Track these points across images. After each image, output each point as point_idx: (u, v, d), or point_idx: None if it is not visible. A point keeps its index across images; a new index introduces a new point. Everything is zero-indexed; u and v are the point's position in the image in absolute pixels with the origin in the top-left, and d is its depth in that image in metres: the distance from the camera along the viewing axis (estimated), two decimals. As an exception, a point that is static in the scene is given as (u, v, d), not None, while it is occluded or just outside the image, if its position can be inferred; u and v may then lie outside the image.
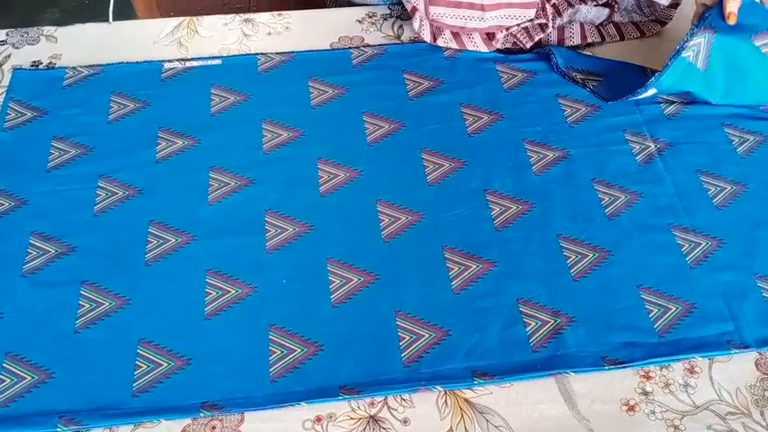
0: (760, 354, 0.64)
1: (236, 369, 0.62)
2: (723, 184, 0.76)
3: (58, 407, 0.60)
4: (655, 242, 0.71)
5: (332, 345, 0.64)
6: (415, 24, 0.87)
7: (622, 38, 0.91)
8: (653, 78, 0.78)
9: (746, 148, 0.80)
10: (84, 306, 0.66)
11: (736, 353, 0.64)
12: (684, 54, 0.77)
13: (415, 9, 0.86)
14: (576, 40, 0.90)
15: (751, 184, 0.76)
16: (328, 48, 0.90)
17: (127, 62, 0.87)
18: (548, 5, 0.85)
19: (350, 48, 0.89)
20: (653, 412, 0.61)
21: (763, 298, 0.67)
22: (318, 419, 0.60)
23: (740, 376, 0.63)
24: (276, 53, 0.89)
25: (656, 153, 0.79)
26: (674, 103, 0.84)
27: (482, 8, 0.83)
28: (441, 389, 0.61)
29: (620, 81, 0.84)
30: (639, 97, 0.81)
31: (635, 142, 0.80)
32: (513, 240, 0.71)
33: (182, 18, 0.93)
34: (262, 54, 0.88)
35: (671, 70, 0.77)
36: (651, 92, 0.80)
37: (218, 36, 0.91)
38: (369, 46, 0.90)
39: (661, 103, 0.83)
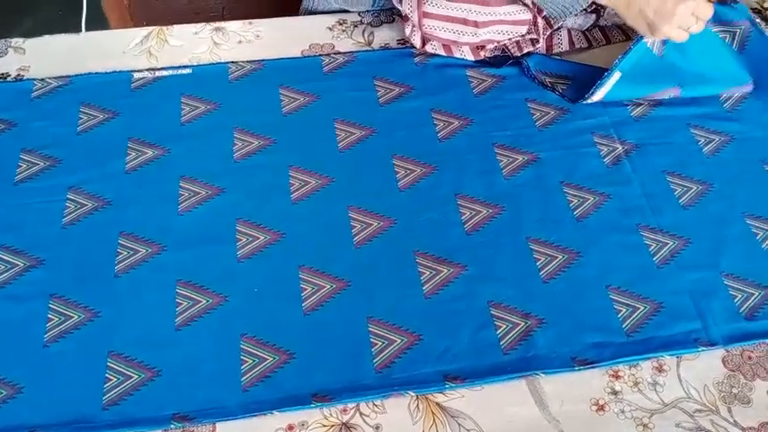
0: (727, 351, 0.65)
1: (207, 379, 0.62)
2: (689, 184, 0.77)
3: (28, 421, 0.60)
4: (623, 243, 0.72)
5: (304, 353, 0.64)
6: (407, 30, 0.88)
7: (608, 41, 0.92)
8: (616, 61, 0.81)
9: (712, 148, 0.81)
10: (53, 319, 0.65)
11: (703, 350, 0.65)
12: (645, 39, 0.80)
13: (407, 17, 0.87)
14: (565, 47, 0.91)
15: (717, 184, 0.77)
16: (299, 55, 0.90)
17: (96, 73, 0.86)
18: (539, 19, 0.86)
19: (320, 55, 0.90)
20: (622, 411, 0.61)
21: (730, 296, 0.68)
22: (290, 428, 0.60)
23: (708, 374, 0.64)
24: (247, 61, 0.89)
25: (624, 155, 0.80)
26: (641, 104, 0.85)
27: (476, 24, 0.84)
28: (413, 394, 0.62)
29: (588, 82, 0.85)
30: (605, 89, 0.82)
31: (603, 144, 0.81)
32: (484, 244, 0.71)
33: (151, 28, 0.92)
34: (232, 62, 0.88)
35: (633, 53, 0.80)
36: (616, 76, 0.81)
37: (188, 45, 0.91)
38: (339, 53, 0.90)
39: (628, 105, 0.85)
